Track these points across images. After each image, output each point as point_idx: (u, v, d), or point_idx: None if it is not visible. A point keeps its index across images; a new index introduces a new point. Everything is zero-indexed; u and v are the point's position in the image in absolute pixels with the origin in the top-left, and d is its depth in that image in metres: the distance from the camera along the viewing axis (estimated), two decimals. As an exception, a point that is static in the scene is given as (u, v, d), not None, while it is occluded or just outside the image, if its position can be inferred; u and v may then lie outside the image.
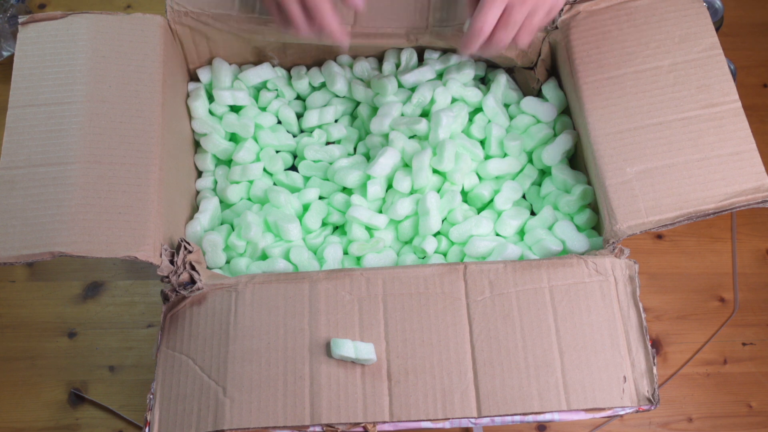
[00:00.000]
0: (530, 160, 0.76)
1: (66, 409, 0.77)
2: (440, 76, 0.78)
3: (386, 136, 0.75)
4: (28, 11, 0.98)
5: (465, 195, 0.74)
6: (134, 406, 0.77)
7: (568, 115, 0.75)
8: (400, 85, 0.78)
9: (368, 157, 0.77)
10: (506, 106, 0.79)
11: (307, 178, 0.77)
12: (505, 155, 0.75)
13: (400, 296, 0.60)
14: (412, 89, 0.77)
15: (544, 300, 0.59)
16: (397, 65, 0.79)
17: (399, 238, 0.72)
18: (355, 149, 0.79)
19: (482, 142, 0.76)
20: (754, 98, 0.93)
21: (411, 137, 0.75)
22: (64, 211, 0.58)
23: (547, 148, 0.71)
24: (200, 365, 0.58)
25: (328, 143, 0.79)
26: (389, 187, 0.73)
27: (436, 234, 0.71)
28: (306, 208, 0.73)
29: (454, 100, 0.77)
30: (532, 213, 0.74)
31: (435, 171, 0.72)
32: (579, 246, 0.66)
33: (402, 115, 0.76)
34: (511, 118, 0.77)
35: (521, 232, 0.71)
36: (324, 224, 0.73)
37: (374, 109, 0.78)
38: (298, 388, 0.57)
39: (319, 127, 0.79)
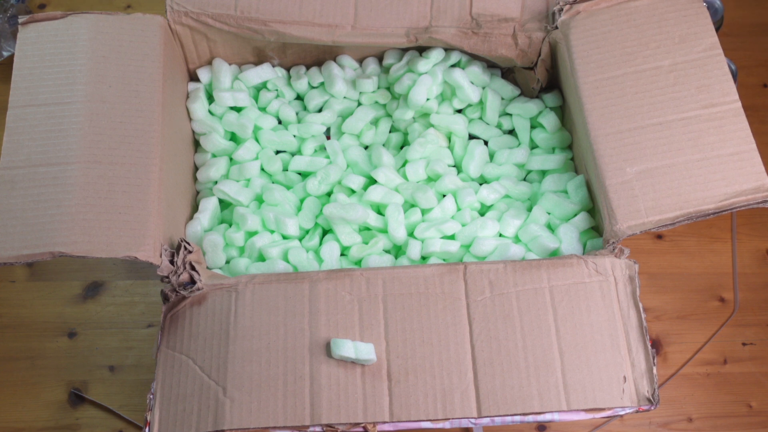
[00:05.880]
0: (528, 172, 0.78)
1: (66, 409, 0.77)
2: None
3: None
4: (28, 11, 0.98)
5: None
6: (134, 406, 0.77)
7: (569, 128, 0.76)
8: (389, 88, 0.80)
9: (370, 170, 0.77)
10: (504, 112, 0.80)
11: (305, 174, 0.78)
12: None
13: (400, 296, 0.60)
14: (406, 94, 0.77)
15: (544, 300, 0.59)
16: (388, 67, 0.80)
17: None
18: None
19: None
20: (754, 98, 0.93)
21: (387, 116, 0.80)
22: (64, 211, 0.58)
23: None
24: (200, 365, 0.58)
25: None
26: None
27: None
28: (301, 201, 0.74)
29: (452, 94, 0.78)
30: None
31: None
32: (578, 247, 0.66)
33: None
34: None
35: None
36: (316, 225, 0.73)
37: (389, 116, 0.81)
38: (298, 388, 0.57)
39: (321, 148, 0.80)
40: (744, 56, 0.96)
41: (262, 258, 0.69)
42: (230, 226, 0.72)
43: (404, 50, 0.79)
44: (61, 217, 0.58)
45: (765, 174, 0.60)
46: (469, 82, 0.77)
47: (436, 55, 0.76)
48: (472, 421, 0.57)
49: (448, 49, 0.77)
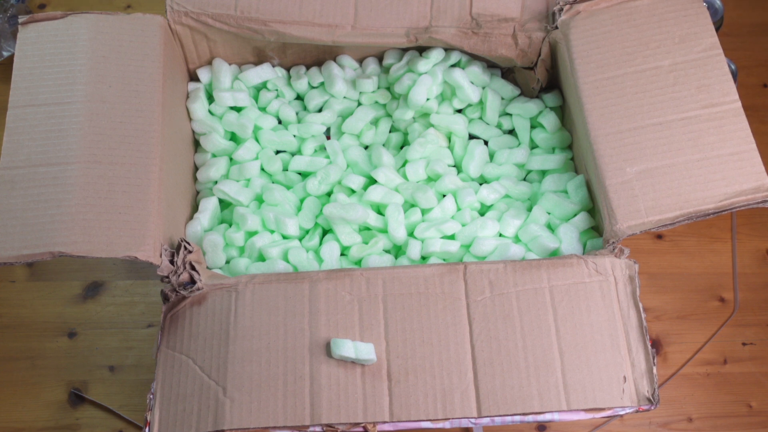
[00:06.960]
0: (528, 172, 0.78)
1: (66, 409, 0.77)
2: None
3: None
4: (28, 11, 0.98)
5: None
6: (134, 406, 0.77)
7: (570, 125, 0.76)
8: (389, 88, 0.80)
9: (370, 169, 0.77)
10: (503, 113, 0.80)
11: (305, 174, 0.78)
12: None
13: (400, 296, 0.60)
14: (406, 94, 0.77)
15: (544, 300, 0.59)
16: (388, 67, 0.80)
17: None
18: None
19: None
20: (754, 98, 0.93)
21: (387, 116, 0.79)
22: (64, 211, 0.58)
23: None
24: (200, 365, 0.58)
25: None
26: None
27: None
28: (301, 201, 0.74)
29: (452, 94, 0.78)
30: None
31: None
32: (578, 247, 0.66)
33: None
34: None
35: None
36: (316, 225, 0.73)
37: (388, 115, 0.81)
38: (298, 388, 0.57)
39: (321, 147, 0.80)
40: (744, 56, 0.96)
41: (262, 258, 0.69)
42: (230, 226, 0.72)
43: (404, 50, 0.79)
44: (61, 217, 0.58)
45: (765, 174, 0.60)
46: (469, 82, 0.77)
47: (436, 55, 0.76)
48: (472, 421, 0.57)
49: (448, 49, 0.77)
